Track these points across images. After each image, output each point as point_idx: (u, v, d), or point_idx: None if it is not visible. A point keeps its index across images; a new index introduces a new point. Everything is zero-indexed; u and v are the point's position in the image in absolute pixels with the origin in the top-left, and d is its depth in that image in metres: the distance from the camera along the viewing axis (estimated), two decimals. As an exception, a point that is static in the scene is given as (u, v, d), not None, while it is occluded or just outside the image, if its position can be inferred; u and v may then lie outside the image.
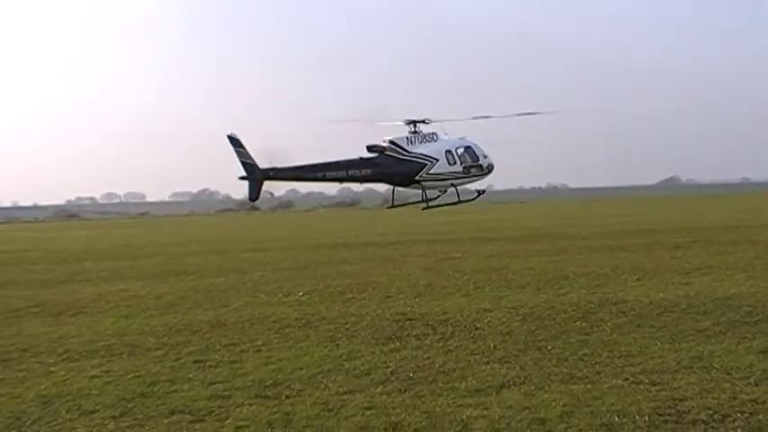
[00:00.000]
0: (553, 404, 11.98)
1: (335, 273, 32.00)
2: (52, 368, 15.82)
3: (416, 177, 32.43)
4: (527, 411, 11.68)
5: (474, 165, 32.89)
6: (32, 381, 14.79)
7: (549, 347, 15.99)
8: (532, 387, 13.03)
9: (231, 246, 53.06)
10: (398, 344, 16.95)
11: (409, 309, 21.70)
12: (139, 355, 16.84)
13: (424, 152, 32.38)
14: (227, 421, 11.80)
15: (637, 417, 11.24)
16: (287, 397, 13.03)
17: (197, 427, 11.61)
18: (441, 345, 16.70)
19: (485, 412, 11.72)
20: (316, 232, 68.31)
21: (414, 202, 34.44)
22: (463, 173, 32.79)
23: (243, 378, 14.39)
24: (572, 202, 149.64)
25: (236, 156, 29.93)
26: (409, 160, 32.18)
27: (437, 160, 32.39)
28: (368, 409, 12.14)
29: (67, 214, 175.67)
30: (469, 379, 13.67)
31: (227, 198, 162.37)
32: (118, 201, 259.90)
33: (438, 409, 12.00)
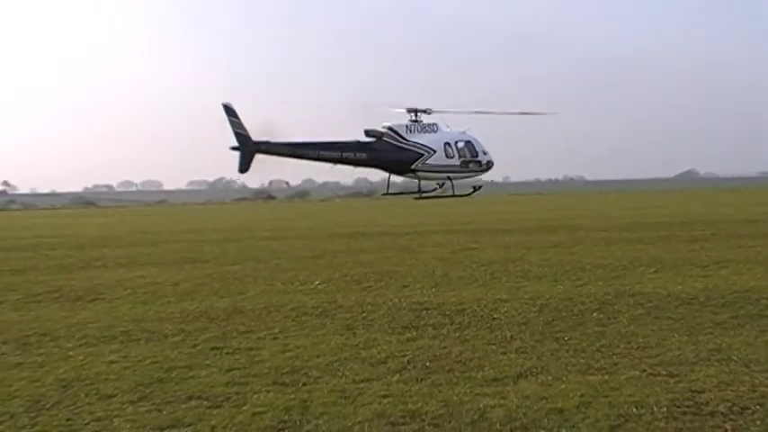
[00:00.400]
0: (570, 394, 11.94)
1: (352, 262, 32.00)
2: (71, 353, 15.91)
3: (412, 167, 32.12)
4: (544, 401, 11.66)
5: (473, 160, 32.49)
6: (51, 365, 14.88)
7: (567, 338, 15.95)
8: (550, 377, 12.99)
9: (248, 234, 53.20)
10: (415, 333, 16.95)
11: (426, 298, 21.69)
12: (157, 341, 16.92)
13: (423, 142, 32.04)
14: (245, 407, 11.83)
15: (655, 408, 11.19)
16: (304, 384, 13.04)
17: (214, 412, 11.64)
18: (457, 334, 16.69)
19: (502, 401, 11.70)
20: (332, 221, 68.38)
21: (410, 192, 34.19)
22: (461, 167, 32.41)
23: (260, 365, 14.43)
24: (589, 195, 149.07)
25: (229, 125, 29.92)
26: (406, 149, 31.87)
27: (435, 151, 32.07)
28: (385, 397, 12.14)
29: (85, 201, 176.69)
30: (486, 368, 13.65)
31: (244, 187, 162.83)
32: (135, 189, 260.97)
33: (455, 397, 11.99)
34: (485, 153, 32.78)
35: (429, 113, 32.10)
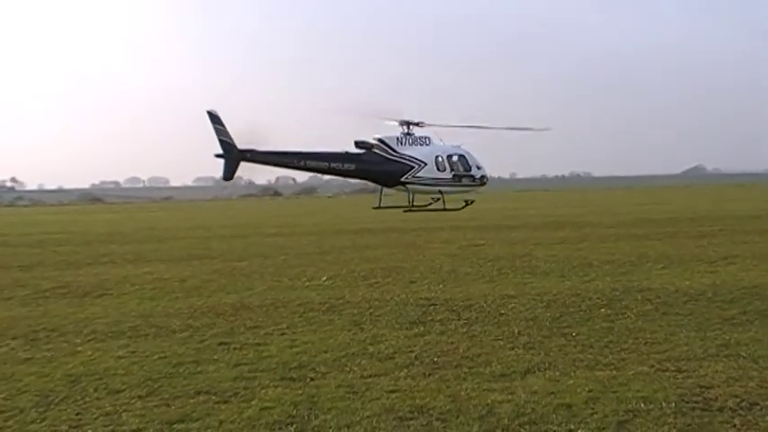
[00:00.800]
0: (578, 390, 11.93)
1: (359, 258, 32.02)
2: (79, 348, 15.95)
3: (402, 179, 31.82)
4: (552, 396, 11.64)
5: (465, 174, 32.11)
6: (60, 360, 14.91)
7: (574, 334, 15.93)
8: (557, 373, 12.98)
9: (254, 230, 53.27)
10: (422, 328, 16.95)
11: (433, 294, 21.68)
12: (165, 337, 16.95)
13: (413, 155, 31.73)
14: (253, 402, 11.84)
15: (663, 404, 11.17)
16: (312, 379, 13.05)
17: (222, 407, 11.66)
18: (465, 330, 16.68)
19: (510, 397, 11.69)
20: (339, 218, 68.40)
21: (400, 206, 34.00)
22: (453, 181, 32.02)
23: (267, 360, 14.44)
24: (596, 191, 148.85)
25: (214, 132, 29.94)
26: (396, 161, 31.58)
27: (425, 164, 31.74)
28: (393, 392, 12.14)
29: (92, 198, 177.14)
30: (494, 364, 13.64)
31: (250, 183, 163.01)
32: (141, 185, 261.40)
33: (463, 393, 11.98)
34: (479, 167, 32.29)
35: (422, 126, 31.91)
